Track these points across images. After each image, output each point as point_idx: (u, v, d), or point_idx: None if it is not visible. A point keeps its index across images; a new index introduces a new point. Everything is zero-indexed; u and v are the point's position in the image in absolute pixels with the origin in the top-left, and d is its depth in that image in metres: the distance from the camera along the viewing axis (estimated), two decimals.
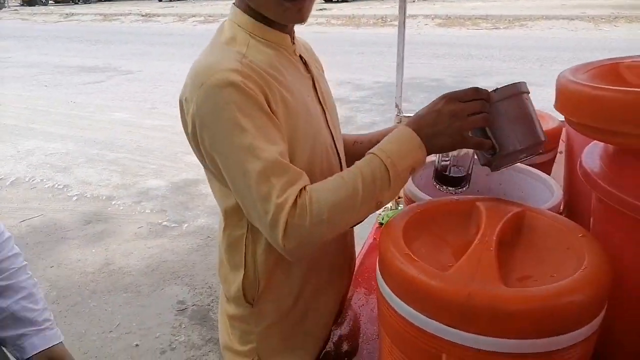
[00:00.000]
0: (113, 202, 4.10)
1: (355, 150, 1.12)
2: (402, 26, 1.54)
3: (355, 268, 1.47)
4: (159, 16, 22.46)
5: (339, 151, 1.01)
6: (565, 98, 0.76)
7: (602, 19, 14.60)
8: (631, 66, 0.81)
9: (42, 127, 6.30)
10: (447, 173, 0.98)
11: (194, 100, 0.78)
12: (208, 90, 0.76)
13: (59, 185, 4.49)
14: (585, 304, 0.63)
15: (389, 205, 2.02)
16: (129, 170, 4.81)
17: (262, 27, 0.88)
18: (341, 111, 6.45)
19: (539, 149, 0.84)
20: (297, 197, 0.75)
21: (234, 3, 0.90)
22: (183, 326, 2.67)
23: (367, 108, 6.55)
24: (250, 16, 0.87)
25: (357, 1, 28.70)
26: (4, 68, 10.83)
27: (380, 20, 16.86)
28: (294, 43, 0.94)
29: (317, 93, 0.97)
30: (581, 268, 0.67)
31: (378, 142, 0.87)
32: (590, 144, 0.87)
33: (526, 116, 0.82)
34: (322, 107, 0.97)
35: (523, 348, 0.61)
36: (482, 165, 0.88)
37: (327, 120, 0.97)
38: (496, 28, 14.74)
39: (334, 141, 0.99)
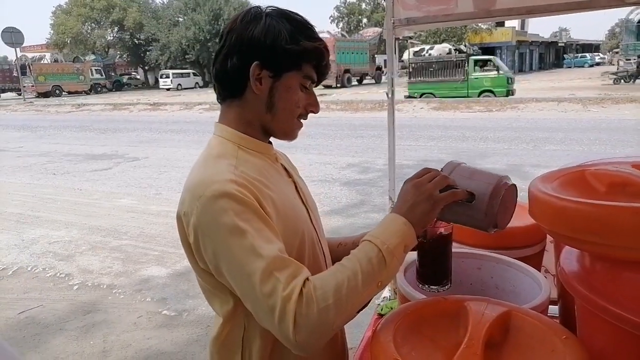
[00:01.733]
0: (114, 291, 4.08)
1: (340, 251, 1.17)
2: (392, 134, 1.65)
3: None
4: (166, 105, 23.53)
5: (324, 248, 1.09)
6: (535, 206, 0.83)
7: (589, 100, 15.26)
8: (596, 174, 0.89)
9: (47, 215, 6.39)
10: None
11: (194, 212, 0.85)
12: (207, 202, 0.84)
13: (60, 274, 4.49)
14: None
15: (388, 294, 2.03)
16: (131, 257, 4.82)
17: (249, 139, 0.99)
18: (346, 194, 6.63)
19: (507, 180, 0.91)
20: (302, 287, 0.79)
21: (217, 122, 1.02)
22: None
23: (371, 191, 6.65)
24: (239, 130, 0.99)
25: (355, 87, 30.18)
26: (15, 158, 11.20)
27: (377, 105, 17.63)
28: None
29: (300, 195, 1.06)
30: None
31: (363, 235, 0.95)
32: (566, 247, 0.92)
33: (478, 170, 0.93)
34: (306, 208, 1.06)
35: None
36: (481, 229, 0.92)
37: (311, 219, 1.05)
38: (489, 111, 15.37)
39: (318, 238, 1.06)
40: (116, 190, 7.70)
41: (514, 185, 0.92)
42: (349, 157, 9.29)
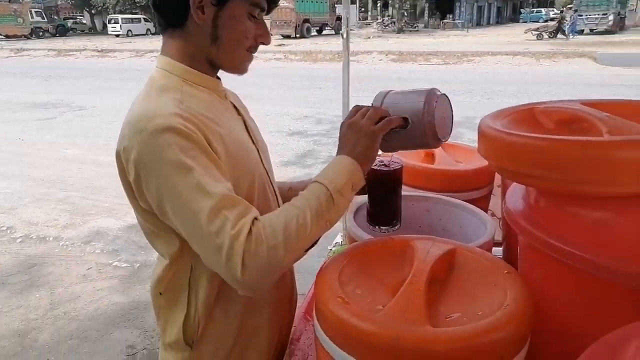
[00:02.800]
0: (61, 243, 3.93)
1: (290, 196, 1.14)
2: (346, 81, 1.60)
3: (305, 305, 1.47)
4: (115, 52, 22.26)
5: (275, 190, 1.05)
6: (484, 143, 0.81)
7: (542, 54, 15.59)
8: (545, 111, 0.88)
9: None
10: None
11: (134, 147, 0.79)
12: (149, 136, 0.77)
13: (2, 227, 4.28)
14: (508, 340, 0.66)
15: (340, 240, 2.04)
16: (79, 209, 4.64)
17: (196, 73, 0.92)
18: (302, 145, 6.57)
19: (436, 91, 0.91)
20: (251, 226, 0.76)
21: (161, 53, 0.93)
22: None
23: (328, 142, 6.65)
24: (184, 63, 0.90)
25: (314, 37, 29.47)
26: None
27: (336, 55, 17.33)
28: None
29: (250, 134, 1.01)
30: (504, 305, 0.70)
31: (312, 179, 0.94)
32: (512, 185, 0.92)
33: (407, 91, 0.93)
34: (257, 148, 1.01)
35: None
36: (426, 146, 0.93)
37: (262, 160, 1.01)
38: (446, 63, 15.45)
39: (269, 179, 1.03)
40: (62, 140, 7.31)
41: (445, 95, 0.93)
42: (307, 108, 9.17)
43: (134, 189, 0.83)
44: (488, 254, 0.87)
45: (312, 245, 0.86)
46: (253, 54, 0.95)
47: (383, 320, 0.67)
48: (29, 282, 3.33)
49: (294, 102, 9.88)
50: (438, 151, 1.53)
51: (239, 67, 0.95)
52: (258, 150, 1.01)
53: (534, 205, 0.82)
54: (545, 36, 22.15)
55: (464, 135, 5.92)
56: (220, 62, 0.93)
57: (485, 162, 1.45)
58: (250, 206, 0.80)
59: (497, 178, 1.52)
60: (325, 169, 0.88)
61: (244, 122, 1.02)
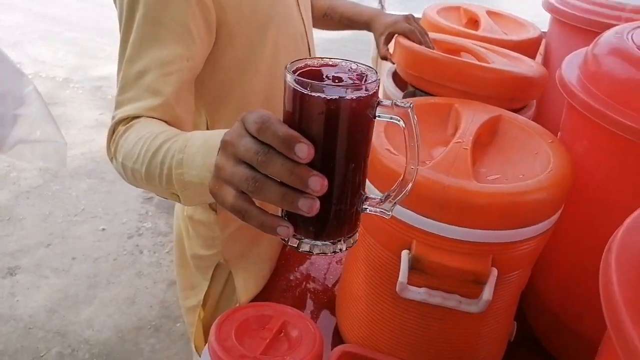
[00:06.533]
0: (71, 85, 3.91)
1: (325, 23, 1.09)
2: None
3: None
4: None
5: (310, 43, 0.99)
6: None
7: None
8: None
9: None
10: None
11: None
12: None
13: None
14: (548, 201, 0.69)
15: None
16: (86, 51, 4.52)
17: None
18: None
19: None
20: (121, 120, 0.71)
21: None
22: (150, 214, 2.72)
23: None
24: None
25: None
26: None
27: None
28: None
29: None
30: (547, 170, 0.72)
31: (348, 18, 1.00)
32: (569, 55, 0.89)
33: None
34: None
35: (489, 238, 0.67)
36: None
37: (299, 6, 0.93)
38: None
39: (305, 29, 0.96)
40: None
41: None
42: None
43: None
44: (533, 123, 0.87)
45: None
46: None
47: (431, 172, 0.70)
48: None
49: None
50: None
51: None
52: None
53: (591, 78, 0.80)
54: None
55: None
56: None
57: (529, 34, 1.40)
58: (149, 97, 0.71)
59: (538, 57, 1.47)
60: (200, 139, 0.60)
61: None
